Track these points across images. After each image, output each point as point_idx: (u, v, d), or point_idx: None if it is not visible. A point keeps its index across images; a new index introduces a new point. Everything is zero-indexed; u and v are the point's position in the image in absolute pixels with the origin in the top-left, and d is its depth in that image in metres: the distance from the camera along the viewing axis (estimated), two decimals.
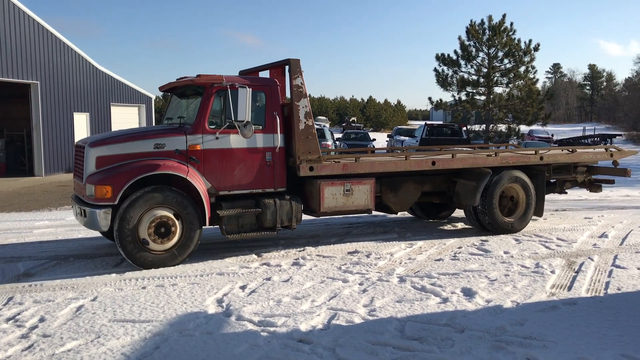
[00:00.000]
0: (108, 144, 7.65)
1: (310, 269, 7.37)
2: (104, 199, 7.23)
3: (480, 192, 9.53)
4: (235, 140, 8.00)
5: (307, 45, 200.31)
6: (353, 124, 63.04)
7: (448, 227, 10.42)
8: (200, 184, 7.73)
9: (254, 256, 8.17)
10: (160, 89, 9.07)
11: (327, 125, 54.59)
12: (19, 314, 5.67)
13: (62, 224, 11.14)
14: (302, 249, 8.59)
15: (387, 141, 34.64)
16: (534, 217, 10.55)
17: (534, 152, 10.28)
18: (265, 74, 9.35)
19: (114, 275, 7.16)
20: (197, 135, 7.84)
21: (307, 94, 8.41)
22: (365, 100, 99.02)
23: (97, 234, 9.59)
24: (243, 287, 6.56)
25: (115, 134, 8.22)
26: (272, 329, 5.21)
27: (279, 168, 8.34)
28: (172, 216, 7.53)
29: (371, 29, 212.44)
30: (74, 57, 24.87)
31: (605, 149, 11.27)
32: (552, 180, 11.09)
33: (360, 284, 6.65)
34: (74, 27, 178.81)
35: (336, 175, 8.65)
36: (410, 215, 11.85)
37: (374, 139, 32.06)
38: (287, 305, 5.90)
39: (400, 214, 11.77)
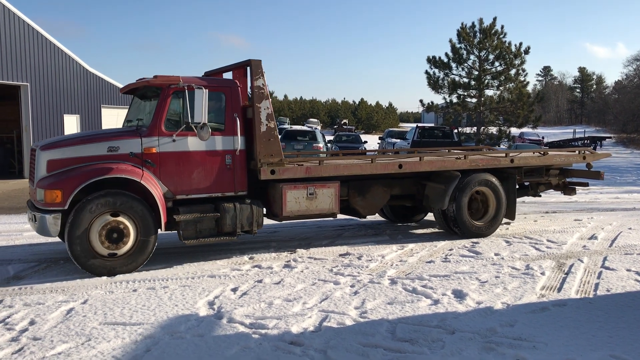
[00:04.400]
0: (59, 147, 7.44)
1: (302, 271, 7.38)
2: (53, 203, 7.02)
3: (449, 196, 9.40)
4: (193, 143, 7.81)
5: (296, 46, 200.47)
6: (345, 127, 63.16)
7: (439, 229, 10.46)
8: (156, 188, 7.53)
9: (246, 258, 8.17)
10: (121, 90, 8.86)
11: (319, 127, 54.63)
12: (8, 317, 5.63)
13: None
14: (293, 251, 8.60)
15: (378, 143, 34.75)
16: (506, 221, 10.52)
17: (504, 154, 10.23)
18: (230, 76, 9.07)
19: (104, 278, 7.13)
20: (153, 138, 7.66)
21: (269, 96, 8.29)
22: (357, 102, 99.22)
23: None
24: (234, 290, 6.56)
25: (69, 136, 8.05)
26: (263, 331, 5.22)
27: (239, 171, 8.14)
28: (125, 221, 7.30)
29: (362, 31, 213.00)
30: (64, 59, 24.76)
31: (578, 151, 11.03)
32: (525, 183, 11.06)
33: (352, 286, 6.67)
34: (61, 28, 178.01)
35: (300, 179, 8.47)
36: (382, 219, 11.75)
37: (366, 142, 32.12)
38: (279, 307, 5.90)
39: (369, 217, 11.64)
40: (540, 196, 11.54)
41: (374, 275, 7.18)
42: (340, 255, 8.34)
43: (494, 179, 9.78)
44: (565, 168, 11.12)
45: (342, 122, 67.89)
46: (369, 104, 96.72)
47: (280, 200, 8.27)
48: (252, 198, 8.24)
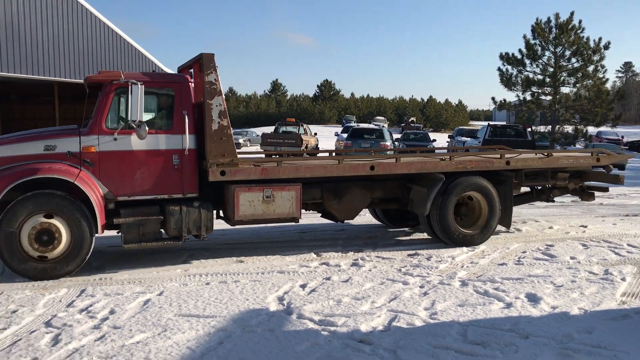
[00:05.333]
0: (4, 145, 7.26)
1: (370, 270, 7.36)
2: None
3: (431, 200, 8.59)
4: (137, 142, 7.41)
5: (364, 44, 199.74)
6: (412, 124, 62.49)
7: (511, 231, 10.17)
8: (93, 189, 7.17)
9: (313, 255, 8.23)
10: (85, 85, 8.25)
11: (386, 125, 54.28)
12: (91, 305, 5.93)
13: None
14: (360, 249, 8.59)
15: (447, 142, 34.15)
16: (502, 229, 9.82)
17: (498, 156, 9.27)
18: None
19: (179, 270, 7.38)
20: (92, 137, 7.32)
21: (222, 92, 7.80)
22: (425, 100, 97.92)
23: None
24: (303, 286, 6.63)
25: (6, 136, 7.81)
26: (332, 328, 5.25)
27: (188, 172, 7.65)
28: (57, 223, 6.99)
29: (432, 27, 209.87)
30: (140, 59, 25.74)
31: (591, 152, 9.96)
32: (538, 188, 10.33)
33: (421, 287, 6.60)
34: (136, 29, 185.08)
35: (255, 181, 7.92)
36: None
37: (434, 140, 31.66)
38: (347, 305, 5.92)
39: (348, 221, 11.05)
40: (553, 201, 10.75)
41: (443, 276, 7.07)
42: (409, 255, 8.27)
43: (485, 183, 8.90)
44: (581, 171, 10.14)
45: (410, 120, 67.22)
46: (437, 101, 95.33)
47: (233, 203, 7.73)
48: (205, 200, 7.78)
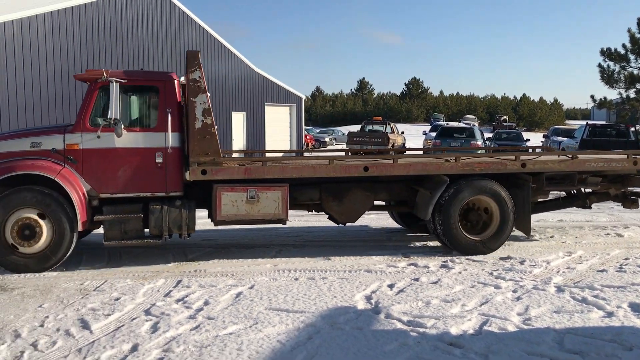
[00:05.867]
0: None
1: (460, 273, 7.20)
2: None
3: (433, 205, 8.09)
4: (120, 139, 7.44)
5: (452, 41, 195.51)
6: (504, 123, 60.50)
7: (611, 235, 9.60)
8: (74, 186, 7.27)
9: (401, 256, 8.15)
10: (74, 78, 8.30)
11: (476, 124, 52.88)
12: (186, 296, 6.19)
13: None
14: (450, 251, 8.42)
15: (542, 142, 32.74)
16: (521, 236, 9.20)
17: (513, 157, 8.54)
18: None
19: (268, 265, 7.55)
20: (76, 134, 7.42)
21: (207, 89, 7.71)
22: (518, 98, 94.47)
23: (253, 225, 10.17)
24: (391, 286, 6.59)
25: (10, 132, 8.05)
26: (421, 329, 5.18)
27: (171, 170, 7.60)
28: (38, 218, 7.18)
29: (525, 22, 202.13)
30: (233, 59, 26.56)
31: (627, 155, 8.90)
32: (573, 192, 9.51)
33: (514, 291, 6.37)
34: (226, 30, 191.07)
35: (239, 180, 7.75)
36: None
37: (528, 139, 30.40)
38: (437, 307, 5.82)
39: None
40: (590, 208, 9.69)
41: (538, 281, 6.80)
42: (501, 258, 8.01)
43: (497, 187, 8.26)
44: (623, 175, 9.14)
45: (502, 119, 65.06)
46: (531, 99, 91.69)
47: (215, 203, 7.63)
48: (190, 199, 7.75)
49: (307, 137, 37.97)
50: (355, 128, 40.98)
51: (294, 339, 4.93)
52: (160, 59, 22.47)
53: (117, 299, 6.08)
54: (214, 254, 8.33)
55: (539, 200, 9.56)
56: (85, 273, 7.25)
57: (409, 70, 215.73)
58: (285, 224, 8.15)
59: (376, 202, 8.79)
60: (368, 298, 6.14)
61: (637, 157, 8.80)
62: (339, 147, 40.70)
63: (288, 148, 31.22)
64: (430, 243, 9.01)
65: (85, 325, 5.30)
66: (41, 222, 7.22)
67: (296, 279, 6.86)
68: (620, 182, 9.27)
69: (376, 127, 31.42)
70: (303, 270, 7.29)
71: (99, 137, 7.41)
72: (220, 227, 10.34)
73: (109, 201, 7.57)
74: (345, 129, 52.46)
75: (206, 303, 5.94)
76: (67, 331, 5.15)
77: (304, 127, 33.87)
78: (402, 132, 34.53)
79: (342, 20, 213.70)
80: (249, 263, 7.71)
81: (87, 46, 19.33)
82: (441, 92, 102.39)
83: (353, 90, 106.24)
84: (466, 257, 8.03)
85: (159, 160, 7.57)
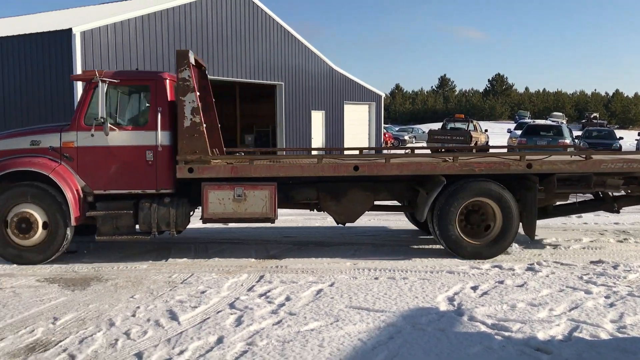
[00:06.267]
0: None
1: (547, 276, 6.92)
2: None
3: (428, 206, 7.78)
4: (113, 138, 7.65)
5: (537, 35, 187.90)
6: (595, 121, 57.62)
7: None
8: (68, 182, 7.55)
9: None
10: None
11: (564, 122, 50.66)
12: (269, 291, 6.31)
13: (301, 213, 12.04)
14: (537, 253, 8.11)
15: (637, 140, 30.88)
16: (525, 240, 8.53)
17: (518, 157, 8.05)
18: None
19: (348, 263, 7.57)
20: (72, 133, 7.70)
21: (196, 88, 7.75)
22: (610, 94, 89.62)
23: (332, 222, 10.23)
24: (474, 288, 6.43)
25: (3, 132, 8.46)
26: (506, 333, 5.02)
27: (161, 168, 7.72)
28: (35, 213, 7.51)
29: (616, 13, 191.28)
30: (312, 59, 26.82)
31: None
32: (600, 195, 8.78)
33: (607, 297, 6.05)
34: (305, 29, 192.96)
35: (226, 179, 7.76)
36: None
37: (621, 137, 28.75)
38: (522, 311, 5.62)
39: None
40: (618, 212, 8.91)
41: (633, 287, 6.41)
42: (592, 262, 7.62)
43: (498, 188, 7.83)
44: None
45: (592, 116, 61.93)
46: (625, 95, 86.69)
47: (202, 201, 7.68)
48: (181, 197, 7.84)
49: (386, 135, 37.78)
50: (436, 126, 40.31)
51: (375, 338, 4.91)
52: (243, 60, 23.02)
53: (203, 292, 6.29)
54: (293, 251, 8.44)
55: (558, 203, 8.87)
56: (173, 266, 7.55)
57: (492, 66, 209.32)
58: (274, 223, 8.09)
59: (377, 203, 8.58)
60: (450, 299, 6.02)
61: None
62: (419, 145, 40.22)
63: (367, 146, 31.17)
64: (515, 243, 8.70)
65: (173, 316, 5.52)
66: (37, 216, 7.57)
67: (376, 278, 6.83)
68: None
69: (458, 125, 30.75)
70: (383, 269, 7.25)
71: (92, 135, 7.67)
72: (301, 224, 10.55)
73: (103, 197, 7.84)
74: (426, 127, 51.69)
75: (287, 299, 6.03)
76: (156, 321, 5.38)
77: (383, 125, 33.70)
78: (486, 130, 33.60)
79: (421, 16, 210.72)
80: (328, 261, 7.76)
81: (175, 48, 20.13)
82: (527, 88, 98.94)
83: (434, 87, 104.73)
84: (554, 260, 7.71)
85: (150, 158, 7.73)
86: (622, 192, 8.67)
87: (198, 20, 21.06)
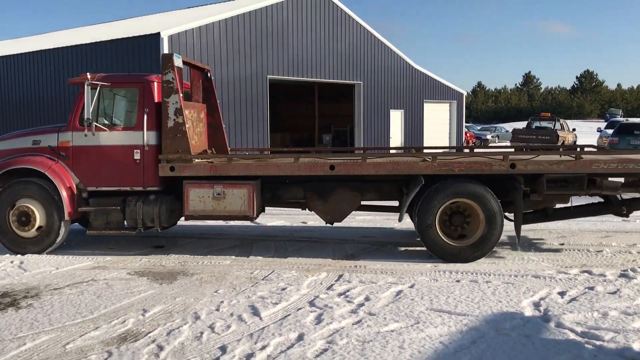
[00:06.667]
0: (5, 140, 8.83)
1: None
2: None
3: (405, 207, 7.73)
4: (104, 138, 8.15)
5: (632, 29, 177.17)
6: None
7: None
8: (63, 179, 8.15)
9: (572, 261, 7.58)
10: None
11: None
12: (348, 290, 6.32)
13: (379, 213, 11.97)
14: (631, 259, 7.66)
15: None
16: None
17: (501, 157, 7.65)
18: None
19: (429, 265, 7.45)
20: (68, 133, 8.28)
21: (180, 90, 8.00)
22: None
23: (412, 224, 10.14)
24: (562, 294, 6.15)
25: (12, 132, 9.14)
26: (597, 342, 4.77)
27: (148, 167, 8.12)
28: (33, 208, 8.16)
29: None
30: (392, 57, 26.62)
31: None
32: (603, 195, 8.06)
33: None
34: (385, 28, 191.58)
35: (206, 177, 8.00)
36: None
37: None
38: (616, 319, 5.33)
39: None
40: (627, 216, 8.39)
41: None
42: None
43: (480, 189, 7.56)
44: None
45: None
46: None
47: (183, 198, 7.97)
48: (168, 195, 8.19)
49: (468, 134, 36.92)
50: (521, 125, 38.99)
51: (457, 342, 4.81)
52: (323, 60, 23.19)
53: (283, 289, 6.39)
54: (372, 251, 8.41)
55: (558, 206, 8.39)
56: (254, 263, 7.72)
57: (581, 62, 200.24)
58: (253, 221, 8.22)
59: (365, 203, 8.55)
60: (536, 305, 5.79)
61: None
62: (502, 144, 39.02)
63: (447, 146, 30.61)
64: (607, 248, 8.26)
65: (255, 312, 5.65)
66: (35, 210, 8.20)
67: (458, 281, 6.69)
68: None
69: (544, 124, 29.58)
70: (465, 272, 7.08)
71: (85, 135, 8.21)
72: (379, 225, 10.50)
73: (96, 194, 8.34)
74: (509, 126, 50.10)
75: (367, 299, 6.02)
76: (239, 316, 5.52)
77: (464, 124, 32.95)
78: (574, 129, 32.16)
79: (504, 11, 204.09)
80: (408, 262, 7.67)
81: (257, 50, 20.57)
82: (618, 85, 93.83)
83: (518, 85, 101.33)
84: None
85: (137, 157, 8.16)
86: (637, 194, 8.13)
87: (279, 22, 21.41)
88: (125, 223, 8.25)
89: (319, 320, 5.38)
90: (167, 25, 19.37)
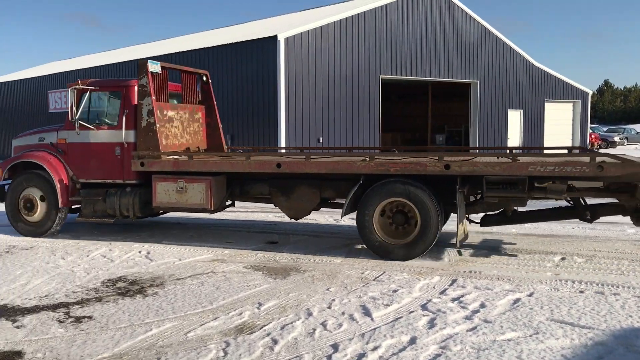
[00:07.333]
0: (19, 138, 10.42)
1: None
2: (3, 179, 9.93)
3: (346, 205, 8.02)
4: (93, 135, 9.31)
5: None
6: None
7: None
8: (59, 172, 9.40)
9: None
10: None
11: None
12: (462, 296, 6.14)
13: None
14: None
15: None
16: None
17: (436, 158, 7.71)
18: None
19: (549, 274, 7.05)
20: (65, 131, 9.55)
21: (153, 93, 8.94)
22: None
23: (534, 229, 9.65)
24: None
25: (27, 131, 10.45)
26: None
27: (127, 162, 9.08)
28: (35, 196, 9.57)
29: None
30: (511, 55, 25.58)
31: (590, 157, 7.27)
32: (570, 202, 8.14)
33: None
34: (501, 26, 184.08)
35: (171, 172, 8.83)
36: None
37: None
38: None
39: None
40: (590, 221, 8.15)
41: None
42: None
43: (415, 190, 7.71)
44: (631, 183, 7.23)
45: None
46: None
47: (152, 191, 8.86)
48: (145, 188, 9.04)
49: (592, 136, 34.66)
50: None
51: (580, 356, 4.51)
52: (438, 58, 22.74)
53: (395, 291, 6.33)
54: (488, 256, 8.11)
55: (516, 209, 8.19)
56: (365, 263, 7.72)
57: None
58: (211, 214, 9.32)
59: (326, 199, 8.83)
60: None
61: (604, 160, 7.22)
62: (632, 147, 36.22)
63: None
64: None
65: (366, 312, 5.64)
66: (37, 198, 9.61)
67: (581, 292, 6.27)
68: (628, 191, 7.38)
69: None
70: (590, 282, 6.63)
71: (78, 133, 9.41)
72: (495, 229, 10.10)
73: (86, 185, 9.49)
74: None
75: (482, 305, 5.81)
76: (351, 315, 5.54)
77: (588, 125, 30.94)
78: None
79: (635, 3, 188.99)
80: (526, 269, 7.31)
81: (370, 50, 20.58)
82: None
83: None
84: None
85: (118, 153, 9.20)
86: (614, 200, 7.75)
87: (393, 21, 21.28)
88: (108, 212, 9.31)
89: (431, 324, 5.27)
90: (284, 27, 19.90)
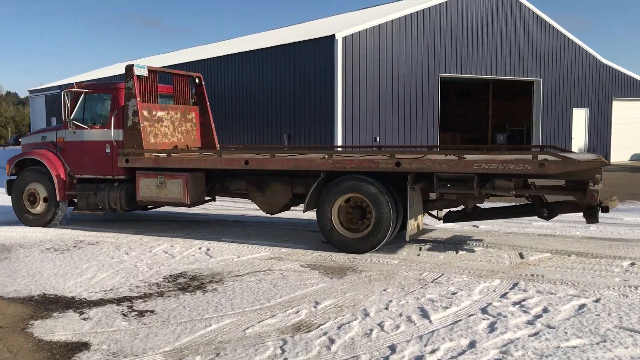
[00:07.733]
0: (26, 137, 11.42)
1: None
2: (10, 174, 10.83)
3: (307, 199, 8.47)
4: (86, 134, 10.13)
5: None
6: None
7: None
8: (57, 168, 10.24)
9: None
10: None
11: None
12: (523, 300, 5.96)
13: (559, 219, 11.11)
14: None
15: None
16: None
17: (387, 156, 8.10)
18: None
19: (617, 279, 6.75)
20: (63, 130, 10.38)
21: (138, 95, 9.65)
22: None
23: (598, 233, 9.28)
24: None
25: (33, 131, 11.33)
26: None
27: (115, 159, 9.84)
28: (37, 190, 10.44)
29: None
30: (577, 52, 24.70)
31: (533, 155, 7.46)
32: (529, 200, 8.49)
33: None
34: (567, 23, 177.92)
35: (152, 168, 9.50)
36: None
37: None
38: None
39: None
40: (547, 219, 8.44)
41: None
42: None
43: (368, 186, 8.07)
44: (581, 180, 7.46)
45: None
46: None
47: (136, 186, 9.59)
48: (131, 183, 9.74)
49: None
50: None
51: None
52: (498, 56, 22.20)
53: (453, 294, 6.22)
54: (552, 260, 7.84)
55: (478, 206, 8.52)
56: (423, 264, 7.61)
57: None
58: (188, 208, 10.10)
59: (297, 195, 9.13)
60: None
61: (545, 158, 7.33)
62: None
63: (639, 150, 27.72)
64: None
65: (424, 314, 5.55)
66: (39, 192, 10.47)
67: None
68: (580, 190, 7.51)
69: None
70: None
71: (74, 132, 10.27)
72: (558, 232, 9.77)
73: (81, 180, 10.27)
74: None
75: (545, 310, 5.62)
76: (408, 317, 5.47)
77: None
78: None
79: None
80: (592, 274, 7.02)
81: (429, 48, 20.30)
82: None
83: None
84: None
85: (108, 150, 9.99)
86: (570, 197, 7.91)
87: (452, 19, 20.90)
88: (98, 205, 10.07)
89: (492, 328, 5.14)
90: (341, 27, 19.88)
